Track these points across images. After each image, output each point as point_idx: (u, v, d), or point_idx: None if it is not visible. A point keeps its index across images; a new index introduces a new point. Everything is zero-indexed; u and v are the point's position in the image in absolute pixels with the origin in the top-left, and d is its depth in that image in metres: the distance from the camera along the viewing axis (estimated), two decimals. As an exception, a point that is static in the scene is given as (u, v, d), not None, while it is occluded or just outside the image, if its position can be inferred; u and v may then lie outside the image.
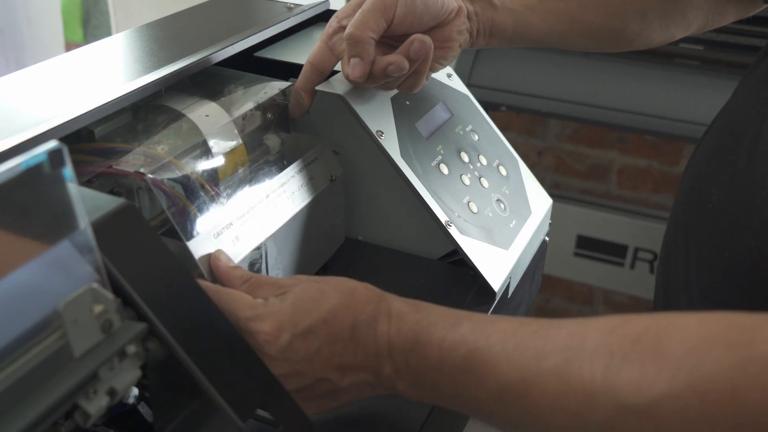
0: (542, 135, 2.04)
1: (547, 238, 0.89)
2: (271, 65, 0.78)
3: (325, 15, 0.89)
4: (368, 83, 0.68)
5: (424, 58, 0.65)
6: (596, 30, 0.73)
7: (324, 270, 0.78)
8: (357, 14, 0.64)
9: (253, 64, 0.78)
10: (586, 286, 2.06)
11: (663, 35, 0.75)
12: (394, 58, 0.64)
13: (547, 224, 0.88)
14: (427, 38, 0.64)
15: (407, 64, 0.64)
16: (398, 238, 0.81)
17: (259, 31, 0.78)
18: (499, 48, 0.82)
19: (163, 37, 0.78)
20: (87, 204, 0.47)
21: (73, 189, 0.41)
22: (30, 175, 0.38)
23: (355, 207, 0.81)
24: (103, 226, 0.45)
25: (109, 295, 0.42)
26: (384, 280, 0.77)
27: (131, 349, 0.44)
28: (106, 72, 0.69)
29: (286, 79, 0.78)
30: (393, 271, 0.78)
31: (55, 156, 0.39)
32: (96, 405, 0.44)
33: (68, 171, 0.40)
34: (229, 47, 0.74)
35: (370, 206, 0.81)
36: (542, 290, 2.16)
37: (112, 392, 0.45)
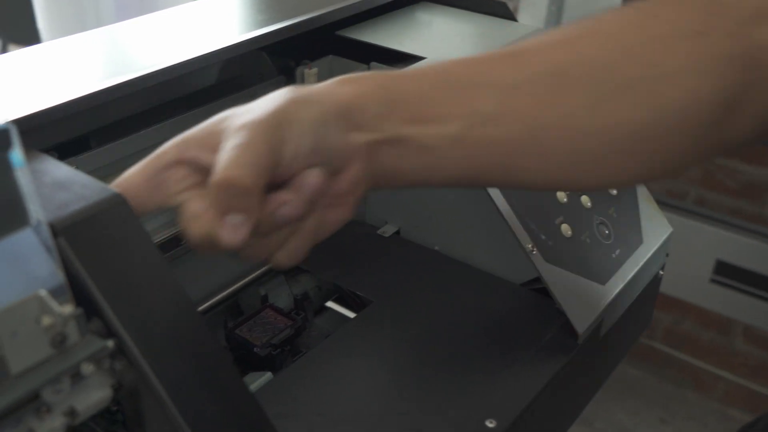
0: (692, 143, 1.84)
1: (661, 272, 0.75)
2: (352, 46, 0.70)
3: (427, -7, 0.79)
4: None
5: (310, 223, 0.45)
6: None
7: (391, 278, 0.69)
8: (233, 150, 0.41)
9: (333, 43, 0.70)
10: (723, 316, 1.85)
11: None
12: (289, 196, 0.42)
13: (663, 256, 0.75)
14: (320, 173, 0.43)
15: (302, 205, 0.42)
16: (477, 254, 0.70)
17: (344, 6, 0.69)
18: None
19: (240, 3, 0.72)
20: (72, 192, 0.41)
21: (24, 178, 0.34)
22: (-36, 158, 0.32)
23: (434, 214, 0.72)
24: (78, 222, 0.39)
25: (57, 306, 0.35)
26: (458, 300, 0.67)
27: (88, 368, 0.37)
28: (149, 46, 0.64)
29: (367, 63, 0.69)
30: (469, 291, 0.68)
31: (-1, 137, 0.33)
32: (47, 426, 0.38)
33: (17, 156, 0.34)
34: (308, 22, 0.66)
35: (449, 216, 0.71)
36: (673, 311, 1.96)
37: (71, 413, 0.39)
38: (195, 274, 0.67)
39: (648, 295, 0.74)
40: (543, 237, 0.62)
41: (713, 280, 1.63)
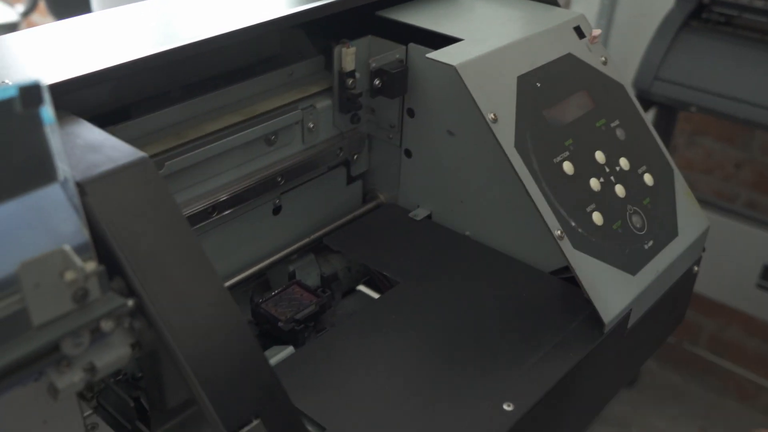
0: (744, 145, 1.79)
1: (696, 268, 0.74)
2: (391, 26, 0.70)
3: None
4: None
5: None
6: None
7: (420, 261, 0.69)
8: None
9: (372, 23, 0.70)
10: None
11: None
12: None
13: (699, 251, 0.73)
14: None
15: None
16: (507, 241, 0.70)
17: (385, -13, 0.69)
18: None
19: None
20: (102, 154, 0.42)
21: (54, 135, 0.35)
22: (-4, 111, 0.33)
23: (466, 198, 0.72)
24: (106, 182, 0.40)
25: (79, 261, 0.36)
26: (485, 285, 0.67)
27: (108, 324, 0.38)
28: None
29: (405, 44, 0.69)
30: (497, 277, 0.68)
31: (29, 93, 0.34)
32: (67, 380, 0.39)
33: (47, 112, 0.35)
34: (348, 0, 0.66)
35: (481, 200, 0.70)
36: (718, 317, 1.92)
37: (91, 368, 0.40)
38: (226, 249, 0.68)
39: (681, 290, 0.72)
40: (573, 224, 0.61)
41: (760, 286, 1.59)
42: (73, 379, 0.39)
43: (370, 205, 0.79)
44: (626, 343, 0.66)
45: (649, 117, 1.57)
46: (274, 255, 0.71)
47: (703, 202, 1.77)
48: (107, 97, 0.62)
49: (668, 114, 1.58)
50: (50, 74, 0.50)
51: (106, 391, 0.58)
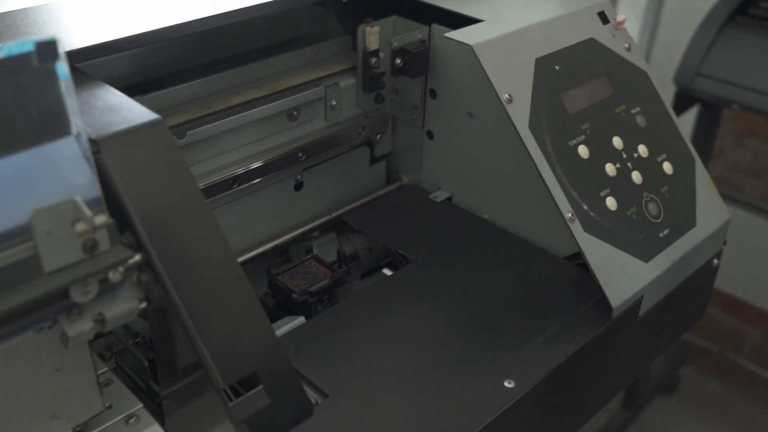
0: (793, 147, 1.75)
1: (716, 261, 0.73)
2: (415, 7, 0.71)
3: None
4: None
5: None
6: None
7: (437, 241, 0.69)
8: None
9: (398, 3, 0.71)
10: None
11: None
12: None
13: (720, 244, 0.72)
14: None
15: None
16: (524, 225, 0.70)
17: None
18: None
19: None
20: (119, 115, 0.44)
21: (68, 90, 0.37)
22: (13, 64, 0.35)
23: (485, 181, 0.72)
24: (119, 140, 0.42)
25: (88, 212, 0.38)
26: (498, 267, 0.67)
27: (116, 275, 0.40)
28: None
29: (428, 25, 0.70)
30: (510, 260, 0.68)
31: (45, 48, 0.36)
32: (77, 328, 0.41)
33: (63, 68, 0.37)
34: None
35: (498, 182, 0.71)
36: (762, 326, 1.86)
37: (101, 320, 0.42)
38: (248, 221, 0.70)
39: (699, 284, 0.72)
40: (585, 207, 0.61)
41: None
42: (83, 327, 0.41)
43: (391, 186, 0.80)
44: (638, 332, 0.65)
45: (691, 115, 1.54)
46: (296, 230, 0.73)
47: (750, 206, 1.73)
48: (139, 67, 0.64)
49: (711, 112, 1.55)
50: (81, 40, 0.52)
51: (125, 353, 0.61)
